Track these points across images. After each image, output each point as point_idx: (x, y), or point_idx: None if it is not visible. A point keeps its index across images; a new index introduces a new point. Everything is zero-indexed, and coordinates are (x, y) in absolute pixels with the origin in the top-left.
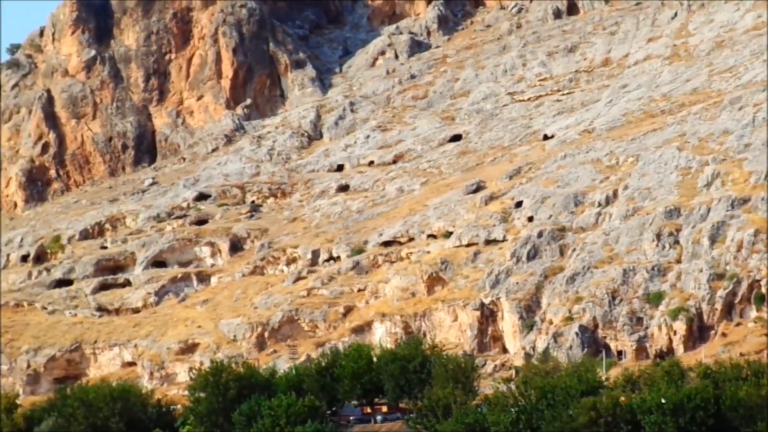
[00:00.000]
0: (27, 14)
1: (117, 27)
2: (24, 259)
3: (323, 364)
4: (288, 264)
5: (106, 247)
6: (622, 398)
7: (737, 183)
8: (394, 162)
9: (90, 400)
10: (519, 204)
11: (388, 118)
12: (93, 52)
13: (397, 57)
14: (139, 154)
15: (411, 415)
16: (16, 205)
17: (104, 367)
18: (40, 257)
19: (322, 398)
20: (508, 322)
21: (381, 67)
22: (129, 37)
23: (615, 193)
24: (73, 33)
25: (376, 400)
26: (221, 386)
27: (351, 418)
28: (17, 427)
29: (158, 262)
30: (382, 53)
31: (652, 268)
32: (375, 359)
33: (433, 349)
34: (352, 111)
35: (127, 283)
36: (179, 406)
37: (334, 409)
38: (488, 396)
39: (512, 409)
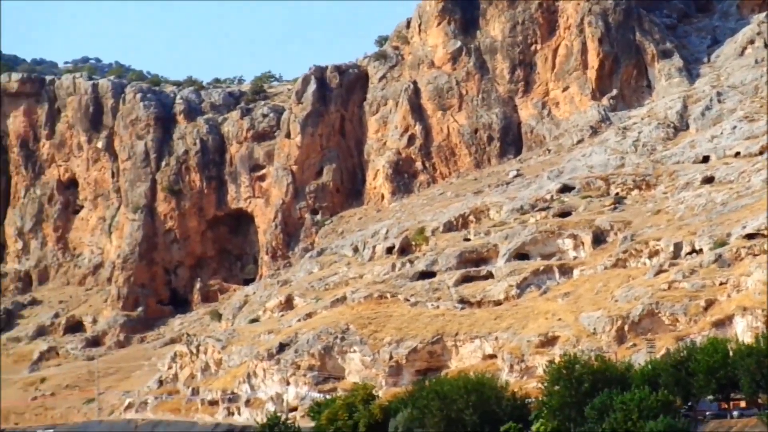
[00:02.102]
0: (395, 6)
1: (483, 18)
2: (389, 251)
3: (678, 358)
4: (650, 257)
5: (469, 239)
6: None
7: None
8: (761, 153)
9: (445, 393)
10: None
11: (756, 108)
12: (459, 44)
13: (766, 46)
14: (504, 146)
15: (765, 411)
16: (383, 197)
17: (465, 359)
18: (405, 249)
19: (677, 393)
20: None
21: (749, 56)
22: (494, 28)
23: None
24: (439, 24)
25: (732, 395)
26: (574, 380)
27: (707, 413)
28: (374, 419)
29: (521, 255)
30: (751, 42)
31: None
32: (731, 353)
33: None
34: (719, 101)
35: (489, 276)
36: (533, 400)
37: (689, 404)
38: None
39: None
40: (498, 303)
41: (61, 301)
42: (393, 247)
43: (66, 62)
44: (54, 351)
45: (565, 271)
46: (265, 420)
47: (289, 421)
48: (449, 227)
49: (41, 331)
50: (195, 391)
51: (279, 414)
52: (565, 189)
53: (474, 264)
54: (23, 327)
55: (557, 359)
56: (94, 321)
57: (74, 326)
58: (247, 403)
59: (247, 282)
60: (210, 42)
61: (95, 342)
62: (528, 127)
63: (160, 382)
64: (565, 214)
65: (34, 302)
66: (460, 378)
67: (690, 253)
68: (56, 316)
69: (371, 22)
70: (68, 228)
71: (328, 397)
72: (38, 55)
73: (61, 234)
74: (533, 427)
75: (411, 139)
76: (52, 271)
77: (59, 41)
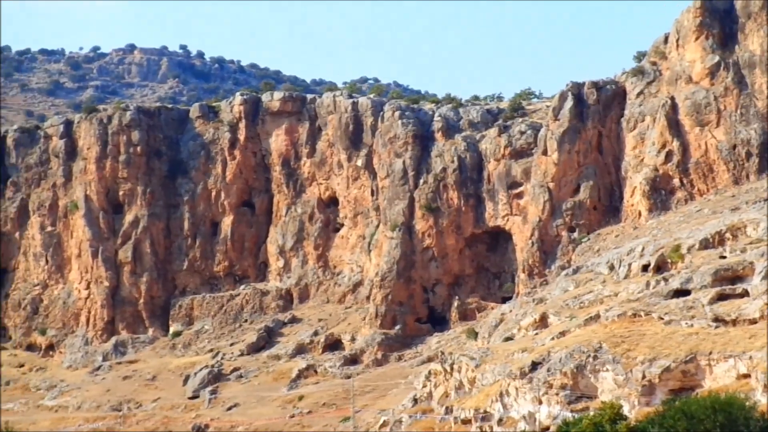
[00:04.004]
0: (652, 21)
1: (741, 32)
2: (645, 268)
3: None
4: None
5: (725, 257)
6: None
7: None
8: None
9: (692, 412)
10: None
11: None
12: (717, 58)
13: None
14: (763, 162)
15: None
16: (640, 214)
17: (719, 379)
18: (660, 267)
19: None
20: None
21: None
22: (753, 42)
23: None
24: (697, 39)
25: None
26: None
27: None
28: None
29: None
30: None
31: None
32: None
33: None
34: None
35: (744, 294)
36: None
37: None
38: None
39: None
40: (753, 321)
41: (321, 319)
42: (648, 264)
43: (344, 83)
44: (312, 369)
45: None
46: None
47: None
48: (705, 245)
49: (300, 349)
50: (449, 410)
51: None
52: None
53: (729, 282)
54: (283, 345)
55: None
56: (353, 339)
57: (333, 344)
58: (500, 422)
59: (505, 300)
60: (471, 60)
61: (353, 360)
62: None
63: (415, 401)
64: None
65: (294, 320)
66: (708, 397)
67: None
68: (315, 334)
69: (629, 37)
70: (328, 246)
71: (577, 416)
72: (318, 76)
73: (321, 252)
74: None
75: (668, 156)
76: (313, 289)
77: (337, 63)
